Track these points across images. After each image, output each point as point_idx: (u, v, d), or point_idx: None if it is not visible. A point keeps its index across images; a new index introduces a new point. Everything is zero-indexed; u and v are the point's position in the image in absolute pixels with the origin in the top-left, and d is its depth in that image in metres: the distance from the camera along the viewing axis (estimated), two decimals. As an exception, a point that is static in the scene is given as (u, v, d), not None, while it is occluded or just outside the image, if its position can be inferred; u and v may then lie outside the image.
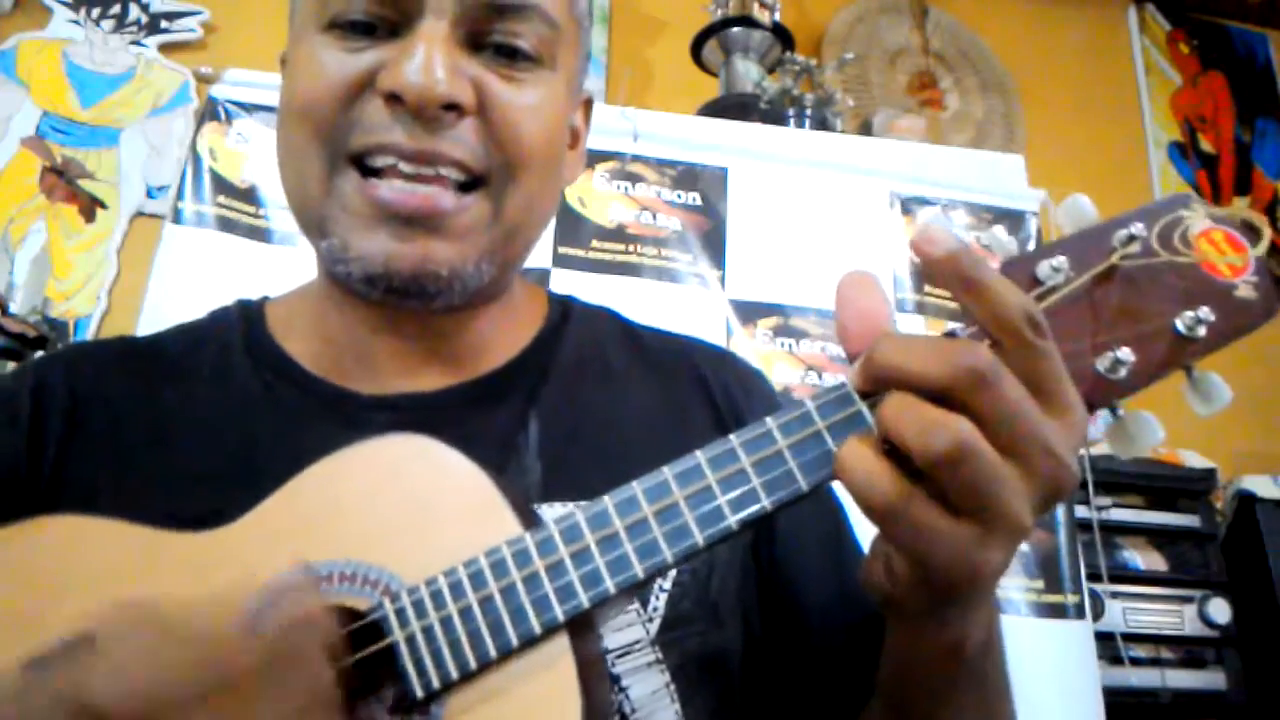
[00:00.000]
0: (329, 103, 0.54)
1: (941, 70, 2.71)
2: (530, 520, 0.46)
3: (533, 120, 0.57)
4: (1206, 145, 2.88)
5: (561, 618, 0.43)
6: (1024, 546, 1.54)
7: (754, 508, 0.43)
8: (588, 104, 0.70)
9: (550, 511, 0.56)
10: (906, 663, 0.50)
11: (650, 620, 0.57)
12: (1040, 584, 1.53)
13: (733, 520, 0.43)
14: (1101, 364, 0.44)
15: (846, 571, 0.63)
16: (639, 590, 0.56)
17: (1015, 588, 1.52)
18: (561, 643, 0.44)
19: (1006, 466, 0.39)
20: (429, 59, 0.52)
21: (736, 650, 0.60)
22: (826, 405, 0.43)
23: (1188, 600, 1.78)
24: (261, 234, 1.56)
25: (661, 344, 0.71)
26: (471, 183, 0.56)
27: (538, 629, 0.43)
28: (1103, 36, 2.90)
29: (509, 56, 0.56)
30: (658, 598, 0.58)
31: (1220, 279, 0.46)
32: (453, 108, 0.53)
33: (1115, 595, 1.73)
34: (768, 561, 0.63)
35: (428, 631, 0.44)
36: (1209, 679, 1.74)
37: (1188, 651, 1.75)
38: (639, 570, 0.43)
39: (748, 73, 2.10)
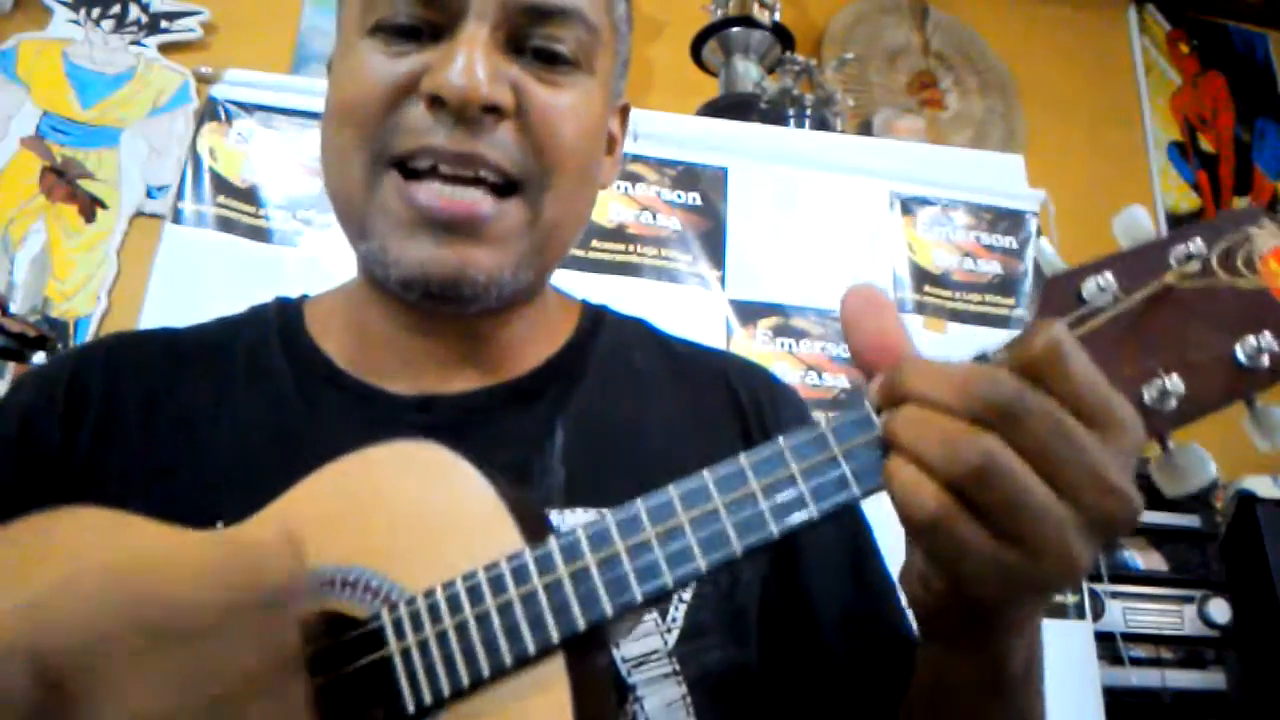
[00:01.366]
0: (373, 106, 0.55)
1: (941, 70, 2.71)
2: (535, 534, 0.44)
3: (570, 124, 0.57)
4: (1206, 145, 2.88)
5: (556, 638, 0.42)
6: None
7: (761, 535, 0.41)
8: (624, 110, 0.70)
9: (572, 517, 0.56)
10: (938, 686, 0.49)
11: (669, 631, 0.57)
12: (1040, 584, 1.53)
13: (738, 547, 0.41)
14: (1149, 393, 0.41)
15: (869, 590, 0.63)
16: (641, 612, 0.55)
17: (1015, 588, 1.52)
18: (557, 664, 0.42)
19: (1050, 497, 0.37)
20: (470, 62, 0.53)
21: (756, 665, 0.59)
22: (844, 427, 0.41)
23: (1188, 600, 1.78)
24: (261, 234, 1.56)
25: (692, 355, 0.71)
26: (509, 186, 0.56)
27: (531, 649, 0.42)
28: (1103, 36, 2.91)
29: (548, 60, 0.57)
30: (677, 608, 0.57)
31: None
32: (493, 110, 0.54)
33: (1115, 595, 1.73)
34: (790, 577, 0.63)
35: (423, 646, 0.43)
36: (1209, 679, 1.74)
37: (1188, 651, 1.75)
38: (638, 594, 0.42)
39: (748, 73, 2.10)
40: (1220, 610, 1.76)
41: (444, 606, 0.43)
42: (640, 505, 0.42)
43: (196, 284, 1.49)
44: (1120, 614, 1.73)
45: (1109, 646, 1.68)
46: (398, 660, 0.43)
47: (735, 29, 2.13)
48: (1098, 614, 1.65)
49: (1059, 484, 0.37)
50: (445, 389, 0.61)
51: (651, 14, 2.51)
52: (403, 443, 0.48)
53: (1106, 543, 0.39)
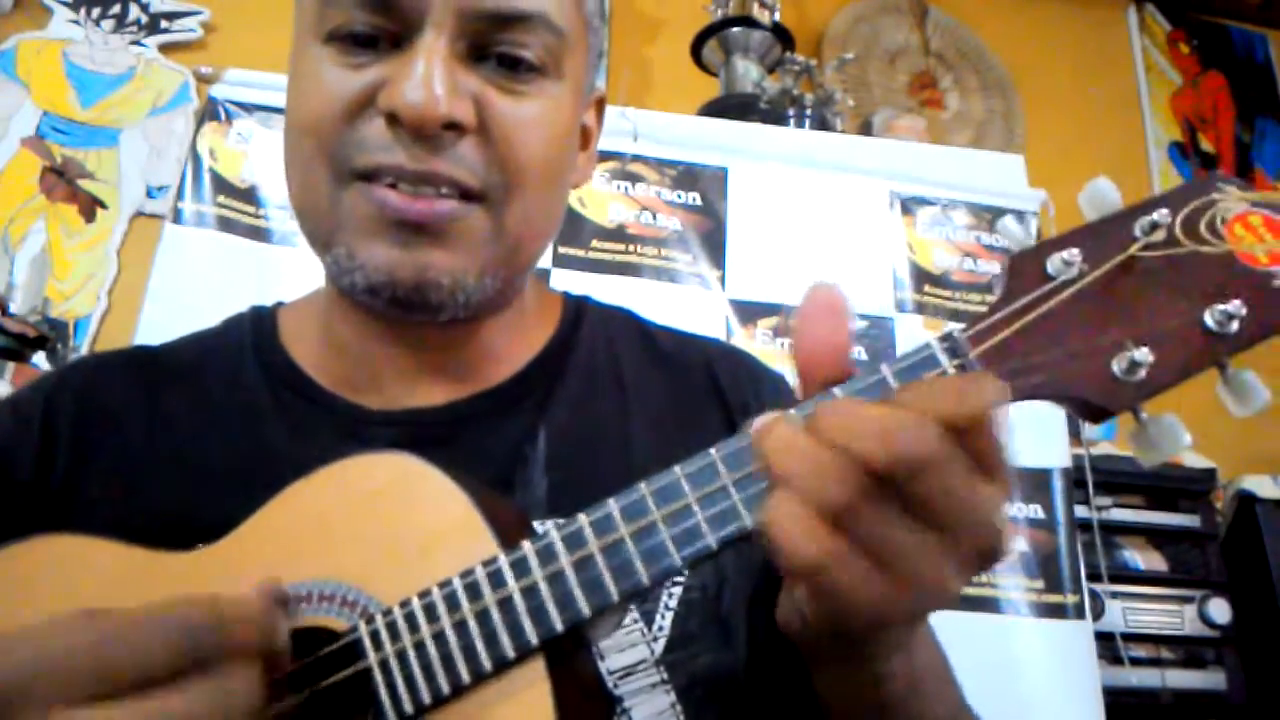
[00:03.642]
0: (332, 121, 0.54)
1: (941, 70, 2.71)
2: (511, 538, 0.44)
3: (534, 134, 0.55)
4: (1206, 145, 2.88)
5: (535, 641, 0.42)
6: (1024, 546, 1.54)
7: (735, 526, 0.41)
8: (600, 102, 0.68)
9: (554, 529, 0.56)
10: (831, 707, 0.49)
11: (655, 640, 0.56)
12: (1040, 584, 1.53)
13: (712, 540, 0.41)
14: (1118, 365, 0.41)
15: None
16: (620, 611, 0.55)
17: (1015, 587, 1.52)
18: (537, 666, 0.42)
19: (938, 538, 0.37)
20: (428, 77, 0.51)
21: (744, 669, 0.59)
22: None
23: (1188, 600, 1.77)
24: (261, 234, 1.56)
25: (676, 343, 0.70)
26: (471, 196, 0.55)
27: (510, 653, 0.42)
28: (1103, 36, 2.90)
29: (512, 68, 0.54)
30: (663, 616, 0.57)
31: (1258, 268, 0.41)
32: (453, 127, 0.52)
33: (1115, 595, 1.73)
34: (778, 580, 0.63)
35: (401, 656, 0.43)
36: (1209, 679, 1.74)
37: (1188, 651, 1.75)
38: (614, 592, 0.41)
39: (748, 73, 2.10)
40: (1220, 610, 1.76)
41: (420, 616, 0.43)
42: (613, 504, 0.42)
43: (196, 284, 1.49)
44: (1120, 614, 1.73)
45: (1109, 646, 1.68)
46: (377, 672, 0.44)
47: (735, 29, 2.13)
48: (1098, 614, 1.65)
49: (951, 526, 0.37)
50: (420, 402, 0.60)
51: (651, 14, 2.51)
52: (375, 454, 0.48)
53: (975, 574, 0.39)
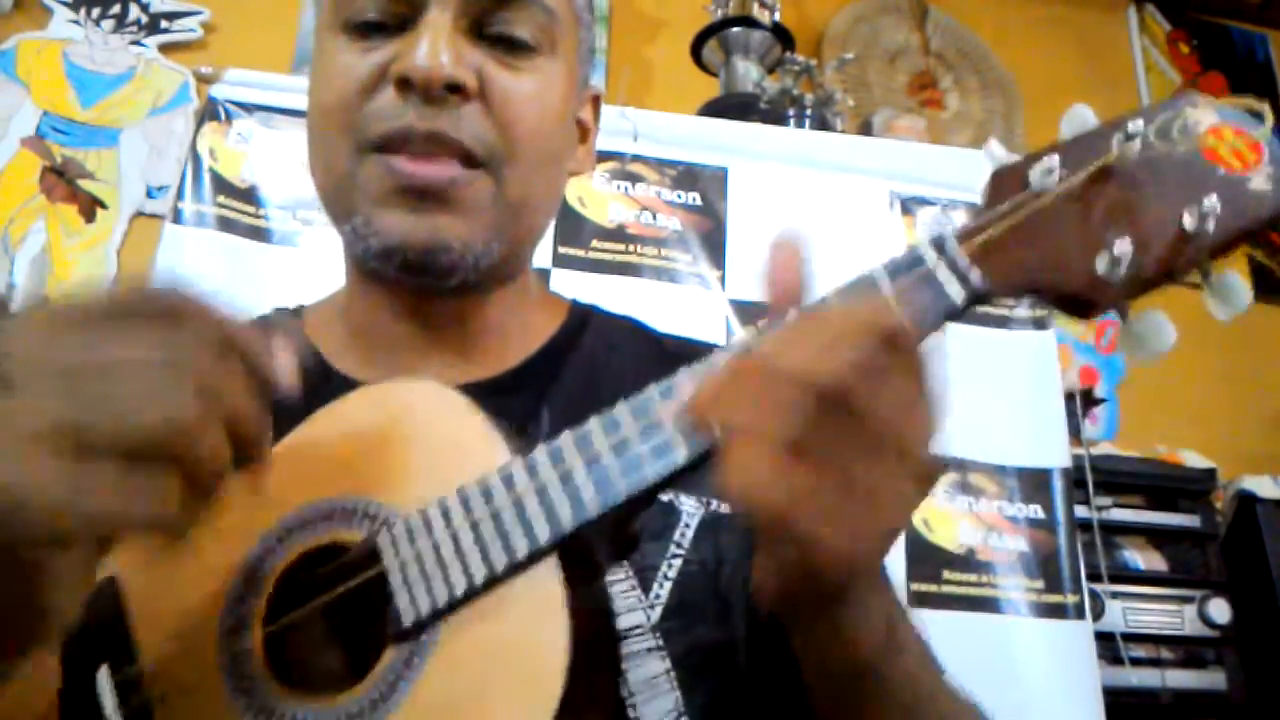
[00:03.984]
0: (349, 98, 0.59)
1: (941, 70, 2.71)
2: (523, 450, 0.45)
3: (531, 106, 0.60)
4: (1206, 145, 2.88)
5: (545, 540, 0.43)
6: (1024, 546, 1.54)
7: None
8: (595, 100, 0.73)
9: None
10: (814, 679, 0.50)
11: (652, 607, 0.58)
12: (1040, 584, 1.53)
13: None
14: (1100, 264, 0.42)
15: None
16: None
17: (1015, 587, 1.52)
18: (549, 566, 0.43)
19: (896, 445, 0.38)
20: (434, 44, 0.56)
21: (741, 647, 0.60)
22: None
23: (1188, 600, 1.77)
24: (261, 234, 1.56)
25: (678, 345, 0.72)
26: (474, 162, 0.59)
27: (521, 553, 0.43)
28: (1103, 36, 2.90)
29: (509, 46, 0.60)
30: (661, 585, 0.59)
31: (1232, 173, 0.42)
32: (456, 89, 0.57)
33: (1115, 595, 1.73)
34: None
35: (418, 558, 0.44)
36: (1209, 679, 1.74)
37: (1188, 651, 1.75)
38: (622, 491, 0.42)
39: (748, 73, 2.10)
40: (1220, 610, 1.76)
41: (438, 519, 0.44)
42: (624, 406, 0.44)
43: (196, 284, 1.48)
44: (1120, 614, 1.73)
45: (1109, 646, 1.68)
46: (395, 575, 0.44)
47: (735, 29, 2.12)
48: (1098, 614, 1.65)
49: (897, 440, 0.38)
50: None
51: (651, 14, 2.51)
52: (398, 382, 0.50)
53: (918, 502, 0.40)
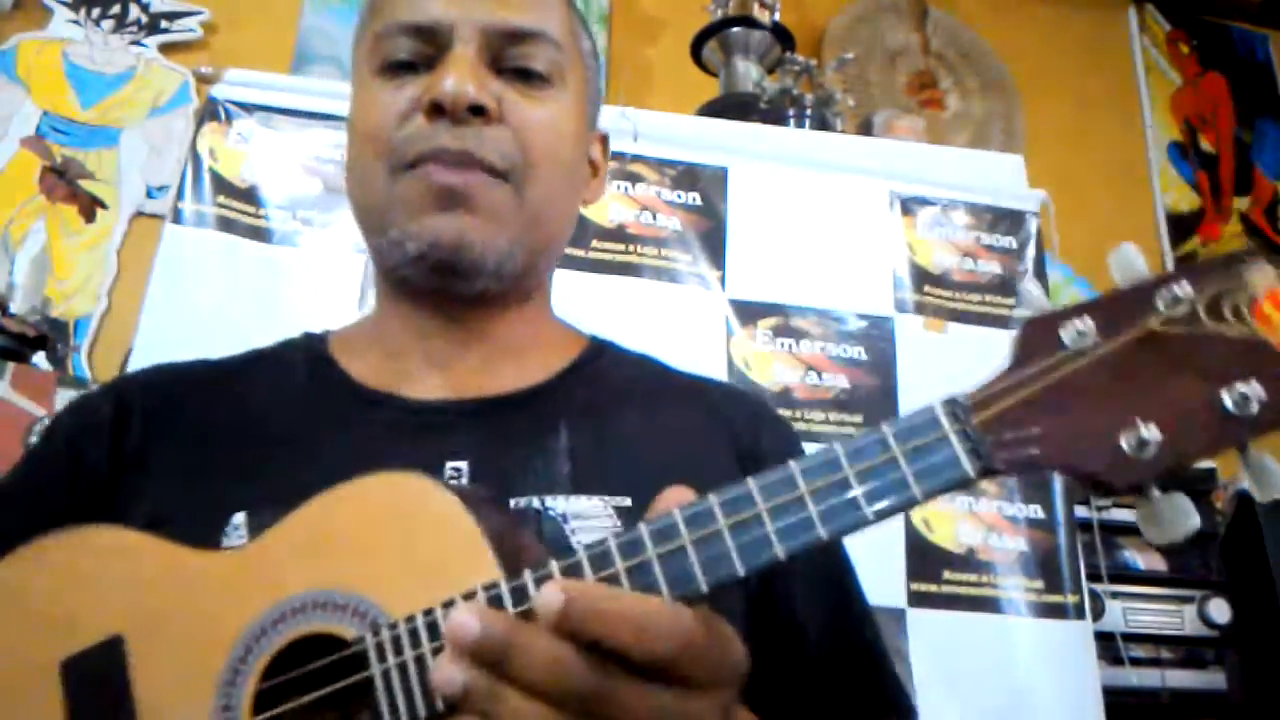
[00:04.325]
0: (384, 128, 0.65)
1: (941, 70, 2.71)
2: (513, 567, 0.45)
3: (548, 129, 0.67)
4: (1206, 145, 2.88)
5: None
6: (1024, 546, 1.54)
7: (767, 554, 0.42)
8: (604, 140, 0.80)
9: (576, 504, 0.61)
10: None
11: None
12: (1040, 584, 1.53)
13: (741, 569, 0.41)
14: (1126, 441, 0.40)
15: (848, 611, 0.70)
16: None
17: (1015, 587, 1.52)
18: None
19: None
20: (460, 73, 0.63)
21: (741, 618, 0.61)
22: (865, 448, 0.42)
23: (1188, 600, 1.77)
24: (261, 234, 1.55)
25: (691, 381, 0.77)
26: (498, 174, 0.65)
27: None
28: (1103, 36, 2.91)
29: (525, 77, 0.67)
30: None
31: None
32: (480, 111, 0.63)
33: (1115, 595, 1.73)
34: (772, 599, 0.66)
35: (402, 669, 0.45)
36: (1209, 679, 1.74)
37: (1188, 651, 1.75)
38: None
39: (748, 73, 2.10)
40: (1220, 610, 1.76)
41: (424, 632, 0.45)
42: (643, 528, 0.43)
43: (196, 284, 1.49)
44: (1120, 614, 1.73)
45: (1109, 646, 1.68)
46: (379, 681, 0.45)
47: (735, 29, 2.13)
48: (1098, 614, 1.65)
49: None
50: (454, 395, 0.67)
51: (651, 14, 2.51)
52: (397, 474, 0.50)
53: None
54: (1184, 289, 0.41)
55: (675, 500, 0.43)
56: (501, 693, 0.39)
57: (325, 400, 0.69)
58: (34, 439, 1.47)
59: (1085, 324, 0.41)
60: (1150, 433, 0.39)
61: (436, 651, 0.44)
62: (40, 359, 1.70)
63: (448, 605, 0.44)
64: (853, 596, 0.71)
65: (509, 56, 0.66)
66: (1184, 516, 0.41)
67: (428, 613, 0.45)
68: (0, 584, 0.54)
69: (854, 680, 0.68)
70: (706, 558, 0.42)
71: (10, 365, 1.55)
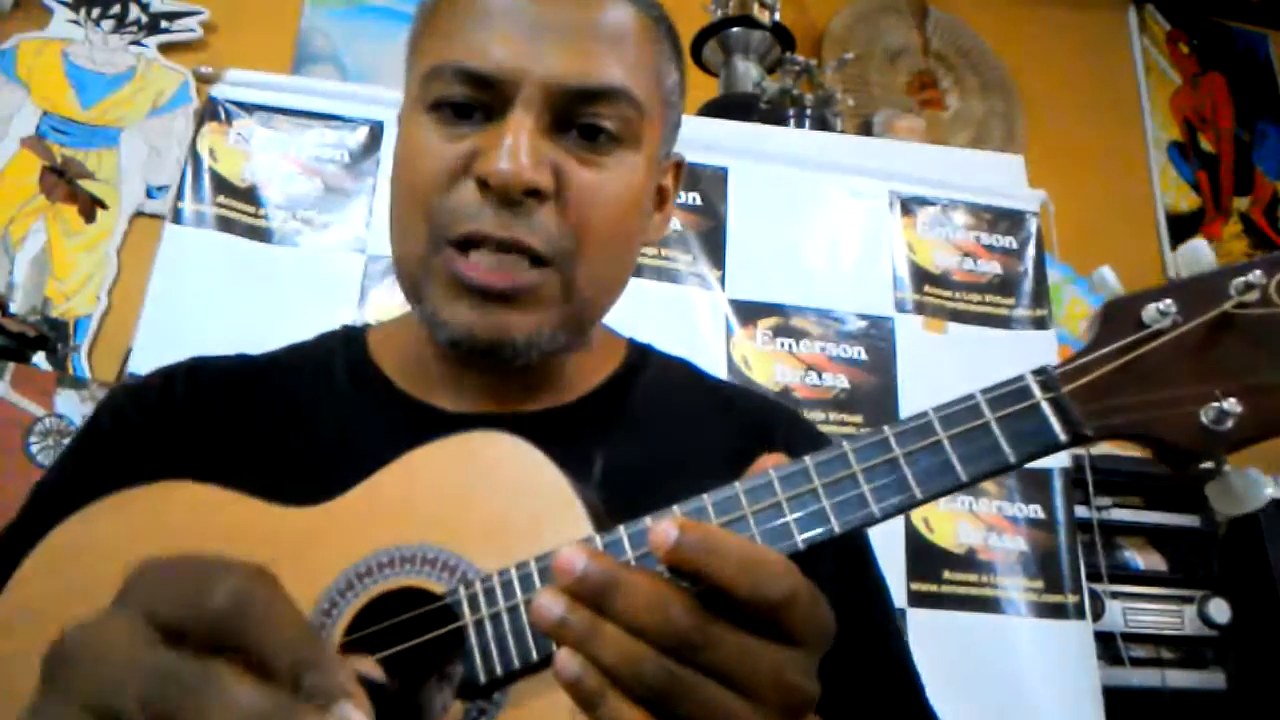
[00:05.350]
0: (432, 187, 0.61)
1: (941, 70, 2.71)
2: (603, 525, 0.46)
3: (608, 202, 0.62)
4: (1206, 145, 2.88)
5: None
6: (1024, 546, 1.54)
7: (821, 529, 0.43)
8: (678, 165, 0.74)
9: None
10: None
11: None
12: (1040, 584, 1.53)
13: (799, 539, 0.43)
14: (1206, 415, 0.43)
15: (878, 622, 0.70)
16: None
17: (1015, 587, 1.52)
18: None
19: (737, 702, 0.38)
20: (516, 149, 0.58)
21: None
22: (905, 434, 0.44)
23: (1188, 600, 1.77)
24: (261, 234, 1.56)
25: (733, 393, 0.76)
26: (541, 262, 0.61)
27: None
28: (1103, 36, 2.91)
29: (592, 138, 0.61)
30: None
31: None
32: (534, 193, 0.59)
33: (1115, 595, 1.73)
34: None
35: (495, 619, 0.45)
36: (1209, 679, 1.74)
37: (1188, 651, 1.75)
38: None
39: (748, 73, 2.10)
40: (1220, 610, 1.76)
41: (517, 584, 0.45)
42: (706, 498, 0.44)
43: (196, 284, 1.49)
44: (1120, 614, 1.73)
45: (1109, 646, 1.68)
46: (471, 631, 0.45)
47: (735, 29, 2.13)
48: (1098, 614, 1.65)
49: (745, 691, 0.38)
50: (491, 410, 0.67)
51: (651, 14, 2.51)
52: (489, 433, 0.51)
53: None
54: (1256, 276, 0.43)
55: (770, 463, 0.44)
56: (601, 628, 0.38)
57: (366, 404, 0.68)
58: (33, 439, 1.47)
59: (1166, 305, 0.44)
60: (1230, 406, 0.42)
61: (529, 603, 0.44)
62: (40, 359, 1.70)
63: (540, 560, 0.45)
64: (890, 614, 0.71)
65: (578, 115, 0.60)
66: (1258, 488, 0.44)
67: (521, 565, 0.45)
68: (83, 533, 0.54)
69: (892, 700, 0.68)
70: (803, 515, 0.43)
71: (10, 365, 1.55)
